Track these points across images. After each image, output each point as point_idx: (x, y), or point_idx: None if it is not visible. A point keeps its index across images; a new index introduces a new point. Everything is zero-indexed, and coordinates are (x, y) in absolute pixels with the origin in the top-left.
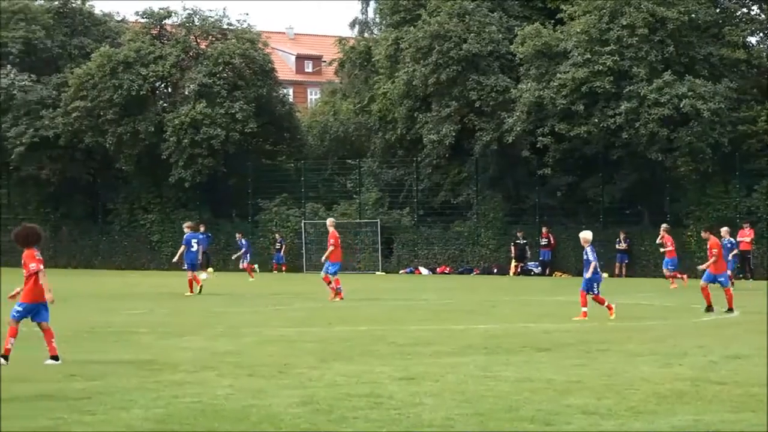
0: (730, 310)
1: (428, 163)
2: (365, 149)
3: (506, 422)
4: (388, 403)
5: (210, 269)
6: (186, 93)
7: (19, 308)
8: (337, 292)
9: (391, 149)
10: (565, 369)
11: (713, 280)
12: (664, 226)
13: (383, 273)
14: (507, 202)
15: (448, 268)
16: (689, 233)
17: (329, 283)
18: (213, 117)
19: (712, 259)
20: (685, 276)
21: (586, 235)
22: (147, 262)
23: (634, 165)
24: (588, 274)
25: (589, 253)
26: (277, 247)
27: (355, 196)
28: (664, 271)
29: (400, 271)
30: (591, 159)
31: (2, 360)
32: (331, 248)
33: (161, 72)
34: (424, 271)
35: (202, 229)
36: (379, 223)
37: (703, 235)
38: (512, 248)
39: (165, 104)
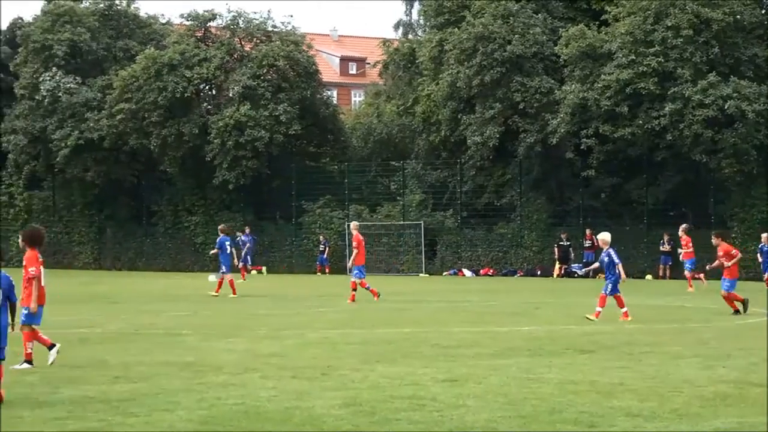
0: (737, 312)
1: (472, 164)
2: (409, 151)
3: (549, 424)
4: (431, 405)
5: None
6: (230, 95)
7: (26, 311)
8: (372, 291)
9: (435, 151)
10: (609, 371)
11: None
12: (683, 226)
13: (427, 275)
14: (551, 203)
15: (491, 270)
16: (733, 235)
17: (355, 289)
18: (257, 119)
19: (731, 261)
20: (702, 275)
21: (605, 237)
22: (191, 264)
23: (678, 166)
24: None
25: (614, 255)
26: (320, 249)
27: (398, 198)
28: (687, 273)
29: (444, 273)
30: (635, 160)
31: (26, 365)
32: (355, 251)
33: (206, 74)
34: (467, 272)
35: (247, 230)
36: (422, 224)
37: (714, 241)
38: (556, 250)
39: (209, 106)
